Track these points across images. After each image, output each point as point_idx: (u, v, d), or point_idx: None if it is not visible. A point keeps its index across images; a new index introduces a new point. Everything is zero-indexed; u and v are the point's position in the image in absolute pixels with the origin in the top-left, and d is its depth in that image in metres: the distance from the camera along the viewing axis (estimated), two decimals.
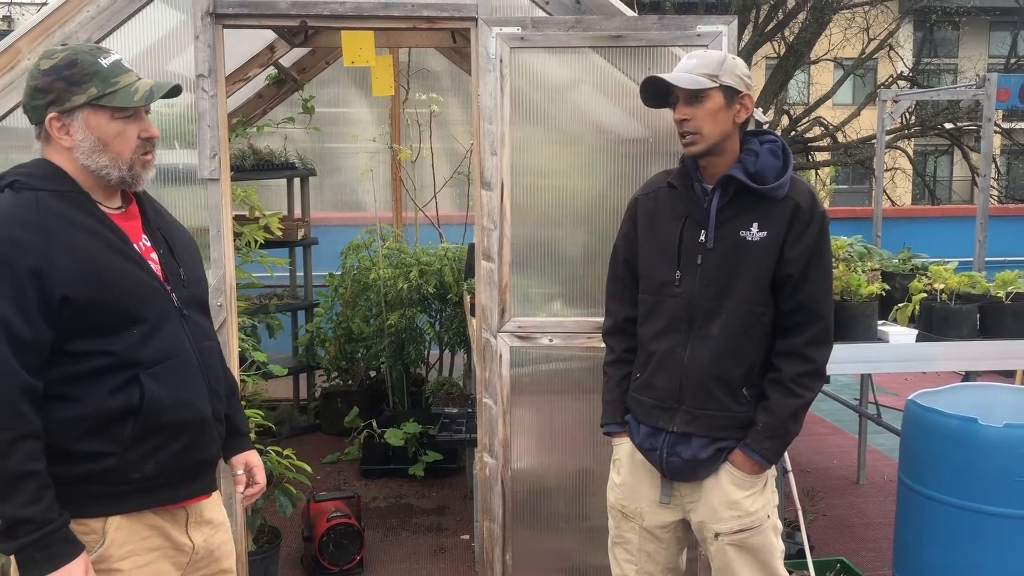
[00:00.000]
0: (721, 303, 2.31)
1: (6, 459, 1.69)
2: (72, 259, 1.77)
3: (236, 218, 4.64)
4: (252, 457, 2.24)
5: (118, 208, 1.94)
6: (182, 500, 1.98)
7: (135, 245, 1.91)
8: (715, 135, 2.29)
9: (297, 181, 5.92)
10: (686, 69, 2.31)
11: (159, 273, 1.93)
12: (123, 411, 1.82)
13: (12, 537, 1.72)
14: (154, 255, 1.95)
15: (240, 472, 2.21)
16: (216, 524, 2.10)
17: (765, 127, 2.62)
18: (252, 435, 2.53)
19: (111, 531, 1.86)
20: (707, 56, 2.33)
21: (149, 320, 1.87)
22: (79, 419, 1.80)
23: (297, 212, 5.94)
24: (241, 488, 2.21)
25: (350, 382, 5.84)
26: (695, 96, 2.28)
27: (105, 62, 1.85)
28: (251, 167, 5.43)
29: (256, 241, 4.53)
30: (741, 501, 2.35)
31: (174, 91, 1.94)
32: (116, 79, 1.85)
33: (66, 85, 1.82)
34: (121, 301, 1.83)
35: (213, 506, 2.10)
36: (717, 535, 2.38)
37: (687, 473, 2.38)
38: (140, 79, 1.89)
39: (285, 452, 3.60)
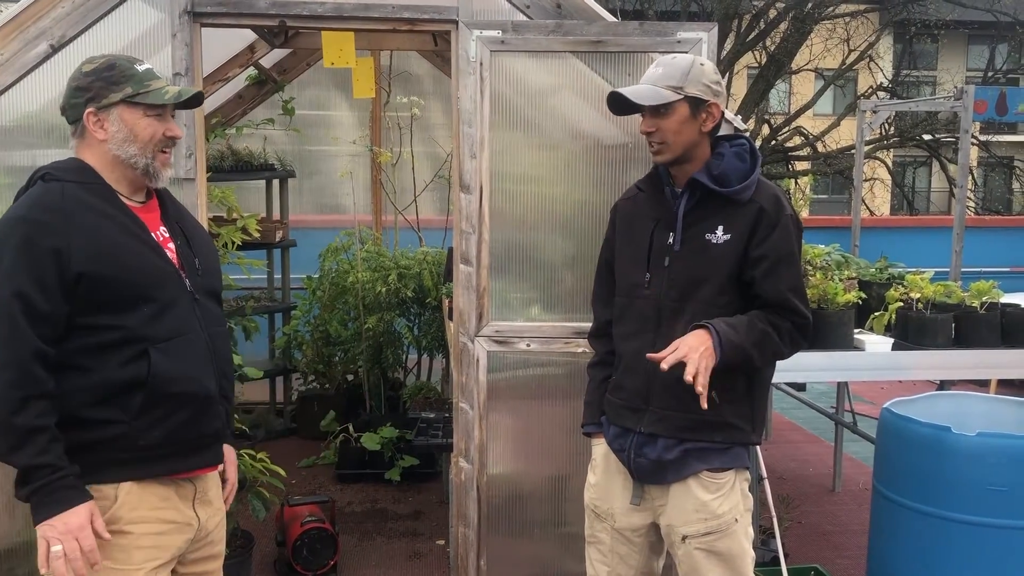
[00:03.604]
0: (684, 304, 2.31)
1: (18, 415, 1.87)
2: (89, 240, 1.94)
3: (214, 219, 4.61)
4: (228, 453, 2.35)
5: (140, 202, 2.12)
6: (189, 470, 2.11)
7: (152, 233, 2.08)
8: (681, 145, 2.30)
9: (276, 183, 5.88)
10: (651, 79, 2.30)
11: (175, 260, 2.09)
12: (132, 382, 1.98)
13: (26, 483, 1.91)
14: (171, 244, 2.12)
15: None
16: (216, 507, 2.23)
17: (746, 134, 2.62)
18: None
19: (122, 495, 2.01)
20: (673, 64, 2.31)
21: (160, 300, 2.02)
22: (91, 388, 1.96)
23: (276, 214, 5.90)
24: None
25: (327, 386, 5.79)
26: (659, 109, 2.29)
27: (139, 68, 2.07)
28: (230, 168, 5.39)
29: (233, 243, 4.49)
30: (709, 503, 2.33)
31: (197, 97, 2.16)
32: (149, 82, 2.06)
33: (105, 84, 2.02)
34: (133, 279, 1.99)
35: (214, 487, 2.23)
36: (684, 538, 2.35)
37: (655, 475, 2.37)
38: (169, 84, 2.11)
39: (259, 456, 3.56)
